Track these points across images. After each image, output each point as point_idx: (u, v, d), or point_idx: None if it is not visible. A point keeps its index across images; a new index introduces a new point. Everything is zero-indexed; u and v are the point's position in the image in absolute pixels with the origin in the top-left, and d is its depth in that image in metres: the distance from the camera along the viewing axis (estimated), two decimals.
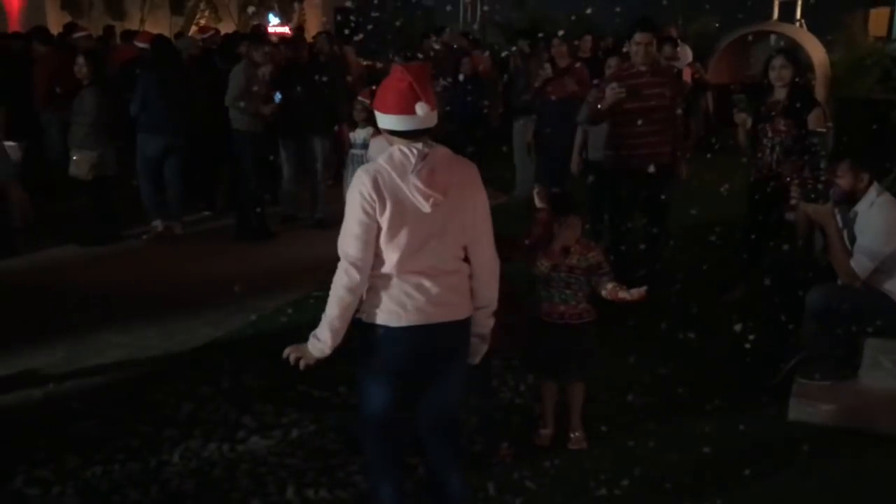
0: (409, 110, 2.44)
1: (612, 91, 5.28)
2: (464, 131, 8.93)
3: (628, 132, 5.40)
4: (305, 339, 2.60)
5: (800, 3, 16.59)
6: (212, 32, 10.13)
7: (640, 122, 5.32)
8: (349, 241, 2.46)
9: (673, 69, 6.32)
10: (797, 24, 15.75)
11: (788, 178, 5.09)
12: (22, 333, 5.05)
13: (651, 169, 5.34)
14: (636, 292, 3.34)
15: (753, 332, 4.25)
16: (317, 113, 7.46)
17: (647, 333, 4.67)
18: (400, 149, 2.48)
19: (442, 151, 2.53)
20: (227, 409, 3.98)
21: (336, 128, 7.72)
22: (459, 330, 2.65)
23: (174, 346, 4.87)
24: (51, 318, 5.34)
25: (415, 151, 2.46)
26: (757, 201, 5.39)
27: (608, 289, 3.46)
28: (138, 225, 7.44)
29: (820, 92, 11.07)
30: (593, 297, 3.58)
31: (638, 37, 5.41)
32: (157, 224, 7.33)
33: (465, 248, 2.62)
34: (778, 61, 5.26)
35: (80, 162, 6.92)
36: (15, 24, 15.05)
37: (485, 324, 2.74)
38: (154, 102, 7.03)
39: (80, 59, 6.97)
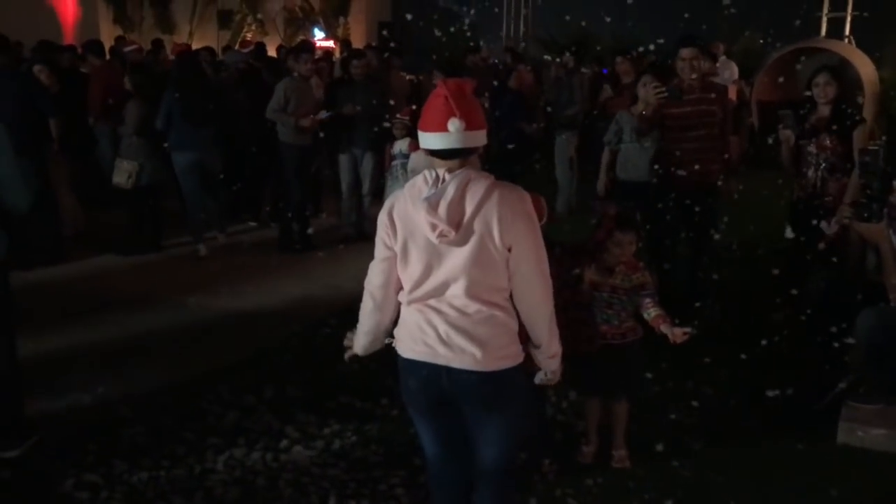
0: (442, 127, 2.24)
1: (653, 89, 5.25)
2: (505, 146, 8.94)
3: (676, 148, 5.35)
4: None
5: (849, 19, 16.33)
6: (252, 47, 10.28)
7: (688, 138, 5.28)
8: (371, 267, 2.44)
9: (720, 85, 6.23)
10: (846, 40, 15.50)
11: (831, 197, 5.04)
12: (69, 340, 5.17)
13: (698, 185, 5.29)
14: (678, 332, 3.25)
15: (801, 353, 4.18)
16: (371, 128, 7.38)
17: (692, 352, 4.61)
18: (425, 172, 2.33)
19: (468, 177, 2.26)
20: (271, 419, 4.03)
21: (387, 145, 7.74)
22: (483, 382, 2.33)
23: (218, 356, 4.94)
24: (97, 325, 5.45)
25: (434, 176, 2.29)
26: (800, 219, 5.30)
27: (651, 316, 3.40)
28: (185, 235, 7.57)
29: (870, 109, 10.86)
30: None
31: (684, 52, 5.36)
32: (201, 248, 7.31)
33: (505, 290, 2.35)
34: (822, 78, 5.17)
35: (120, 171, 7.12)
36: (69, 38, 15.45)
37: (546, 364, 2.49)
38: (178, 120, 6.98)
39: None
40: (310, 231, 7.69)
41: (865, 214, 4.12)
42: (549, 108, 9.90)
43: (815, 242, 5.03)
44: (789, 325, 5.09)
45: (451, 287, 2.31)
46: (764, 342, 4.61)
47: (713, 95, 5.43)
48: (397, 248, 2.35)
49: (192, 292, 6.25)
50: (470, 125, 2.24)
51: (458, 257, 2.27)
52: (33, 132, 6.62)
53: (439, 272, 2.31)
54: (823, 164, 5.13)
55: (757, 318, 5.33)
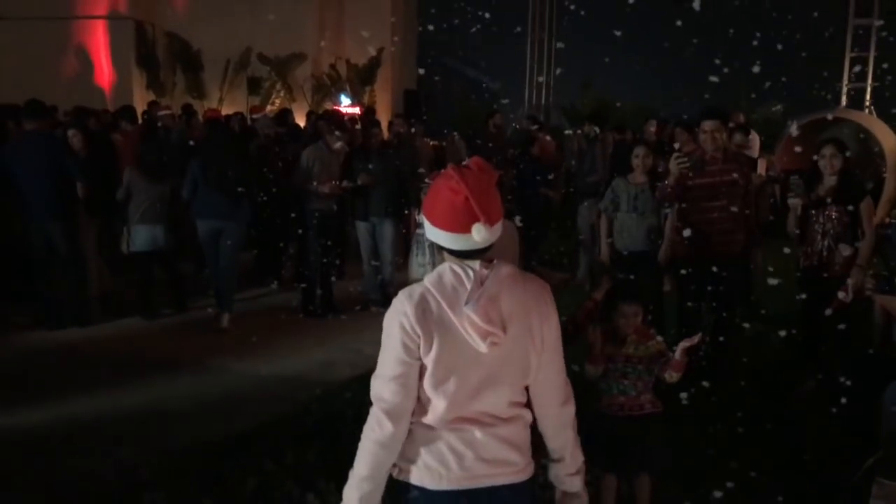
0: (465, 230, 1.97)
1: (676, 161, 5.31)
2: (527, 213, 9.02)
3: (699, 219, 5.38)
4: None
5: (869, 89, 16.47)
6: (263, 113, 10.47)
7: (711, 208, 5.31)
8: (384, 384, 1.99)
9: (744, 156, 6.28)
10: (867, 110, 15.59)
11: (838, 266, 5.08)
12: (92, 402, 5.20)
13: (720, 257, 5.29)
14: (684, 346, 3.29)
15: (829, 427, 4.11)
16: (389, 196, 7.47)
17: (716, 426, 4.56)
18: (452, 268, 2.02)
19: (505, 272, 2.04)
20: (291, 486, 4.00)
21: (406, 211, 7.82)
22: (518, 497, 2.08)
23: (239, 420, 4.93)
24: (120, 388, 5.49)
25: (471, 274, 2.00)
26: (809, 289, 5.30)
27: (674, 377, 3.39)
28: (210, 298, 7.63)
29: (892, 179, 10.85)
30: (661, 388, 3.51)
31: (706, 124, 5.44)
32: (225, 318, 7.19)
33: (526, 389, 2.13)
34: (828, 150, 5.25)
35: (122, 238, 7.26)
36: (104, 103, 15.91)
37: (569, 483, 2.19)
38: (202, 187, 6.94)
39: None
40: (332, 295, 7.75)
41: (887, 287, 4.11)
42: (571, 175, 10.03)
43: (823, 309, 5.02)
44: (815, 397, 5.02)
45: (491, 395, 2.04)
46: (792, 414, 4.55)
47: (735, 166, 5.48)
48: (428, 359, 1.97)
49: (214, 355, 6.29)
50: (493, 221, 1.99)
51: (499, 362, 2.02)
52: (64, 195, 6.78)
53: (482, 382, 2.01)
54: (830, 234, 5.19)
55: (782, 389, 5.27)
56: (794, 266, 5.54)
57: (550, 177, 9.78)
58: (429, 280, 2.03)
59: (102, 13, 17.14)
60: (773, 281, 4.88)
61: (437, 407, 2.00)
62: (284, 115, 11.05)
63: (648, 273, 5.86)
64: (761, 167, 5.69)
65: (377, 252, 7.76)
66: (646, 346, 3.45)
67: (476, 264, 2.03)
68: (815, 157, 5.36)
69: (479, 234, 1.96)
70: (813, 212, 5.27)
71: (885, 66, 15.89)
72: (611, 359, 3.42)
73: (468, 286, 1.98)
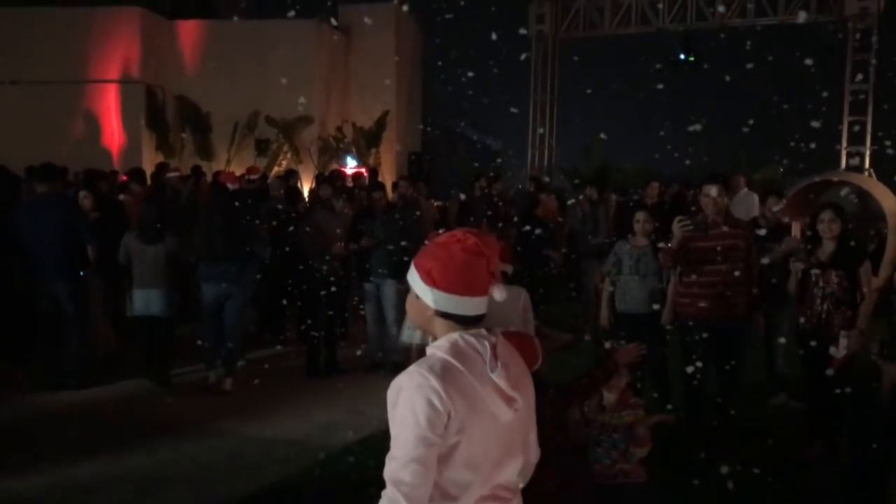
0: (484, 292, 1.95)
1: (678, 224, 5.38)
2: (530, 272, 9.09)
3: (701, 282, 5.41)
4: (371, 481, 2.23)
5: (868, 152, 16.68)
6: (258, 175, 10.57)
7: (712, 272, 5.36)
8: (404, 466, 1.78)
9: (744, 221, 6.34)
10: (866, 173, 15.75)
11: (836, 328, 5.13)
12: (94, 466, 5.18)
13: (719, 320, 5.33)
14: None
15: (840, 486, 4.08)
16: (393, 257, 7.51)
17: (716, 496, 4.52)
18: (465, 337, 1.91)
19: (503, 339, 2.01)
20: None
21: None
22: None
23: (241, 484, 4.91)
24: (123, 451, 5.48)
25: (485, 342, 1.91)
26: (808, 352, 5.33)
27: (638, 454, 3.32)
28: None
29: (893, 242, 10.91)
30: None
31: (708, 189, 5.51)
32: (211, 375, 7.17)
33: None
34: (826, 215, 5.35)
35: (134, 301, 7.18)
36: (115, 164, 16.21)
37: None
38: (207, 251, 6.95)
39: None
40: (336, 356, 7.77)
41: (885, 351, 4.12)
42: (574, 236, 10.13)
43: (824, 371, 5.05)
44: (824, 463, 4.99)
45: (509, 467, 1.96)
46: (801, 477, 4.50)
47: (737, 231, 5.54)
48: (457, 435, 1.82)
49: (217, 418, 6.27)
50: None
51: (514, 430, 1.96)
52: (73, 257, 6.87)
53: (503, 454, 1.94)
54: (829, 298, 5.25)
55: (790, 453, 5.23)
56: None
57: (552, 236, 9.88)
58: (444, 351, 1.90)
59: (115, 77, 17.55)
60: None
61: (463, 485, 1.86)
62: (289, 176, 11.24)
63: (651, 336, 5.88)
64: (796, 230, 5.75)
65: (382, 314, 7.81)
66: (620, 415, 3.38)
67: (483, 332, 1.95)
68: (813, 224, 5.44)
69: (500, 294, 1.93)
70: (813, 275, 5.33)
71: (879, 133, 16.13)
72: (587, 424, 3.36)
73: (485, 355, 1.89)
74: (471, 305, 1.93)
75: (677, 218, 5.50)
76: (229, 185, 8.47)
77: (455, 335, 1.92)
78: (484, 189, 12.19)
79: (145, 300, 7.10)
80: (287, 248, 8.07)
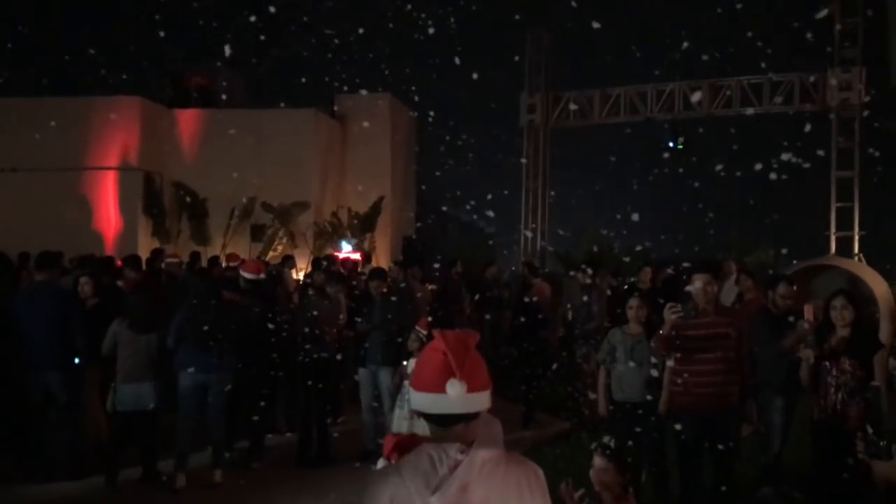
0: (439, 388, 1.92)
1: (669, 311, 5.39)
2: (524, 356, 9.11)
3: (694, 371, 5.42)
4: None
5: (856, 237, 16.90)
6: (239, 262, 10.44)
7: (704, 360, 5.37)
8: None
9: (732, 309, 6.39)
10: (856, 258, 15.93)
11: (852, 419, 5.01)
12: None
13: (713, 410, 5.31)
14: None
15: None
16: (388, 343, 7.47)
17: None
18: (428, 451, 1.92)
19: (481, 458, 1.93)
20: None
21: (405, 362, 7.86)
22: None
23: None
24: None
25: (444, 459, 1.89)
26: (823, 443, 5.25)
27: None
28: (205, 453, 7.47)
29: (885, 327, 10.97)
30: None
31: (697, 277, 5.57)
32: (181, 478, 6.70)
33: None
34: (838, 302, 5.29)
35: (120, 395, 6.81)
36: (110, 249, 16.28)
37: None
38: (185, 339, 6.78)
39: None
40: (328, 445, 7.67)
41: (873, 451, 4.06)
42: (569, 320, 10.16)
43: (840, 464, 4.96)
44: None
45: None
46: None
47: (728, 319, 5.58)
48: None
49: None
50: (472, 386, 1.93)
51: None
52: (67, 346, 6.85)
53: None
54: (843, 387, 5.14)
55: None
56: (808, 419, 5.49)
57: (545, 318, 9.91)
58: (403, 462, 1.93)
59: (114, 164, 17.81)
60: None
61: None
62: (286, 262, 11.32)
63: (648, 425, 5.86)
64: (808, 313, 5.71)
65: (377, 400, 7.75)
66: None
67: (453, 448, 1.91)
68: (825, 311, 5.41)
69: (454, 390, 1.90)
70: (825, 363, 5.24)
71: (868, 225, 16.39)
72: None
73: (440, 471, 1.86)
74: (430, 401, 1.94)
75: (668, 305, 5.53)
76: (250, 275, 7.96)
77: (423, 448, 1.93)
78: (459, 274, 12.30)
79: (135, 394, 6.74)
80: (277, 335, 8.04)
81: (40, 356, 6.82)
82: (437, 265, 12.34)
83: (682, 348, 5.48)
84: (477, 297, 12.52)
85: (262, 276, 8.07)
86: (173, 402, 7.09)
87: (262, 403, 7.81)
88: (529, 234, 21.18)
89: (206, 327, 6.72)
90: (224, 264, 10.52)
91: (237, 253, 14.80)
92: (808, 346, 5.37)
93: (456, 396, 1.91)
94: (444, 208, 31.20)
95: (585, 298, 9.74)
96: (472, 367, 1.95)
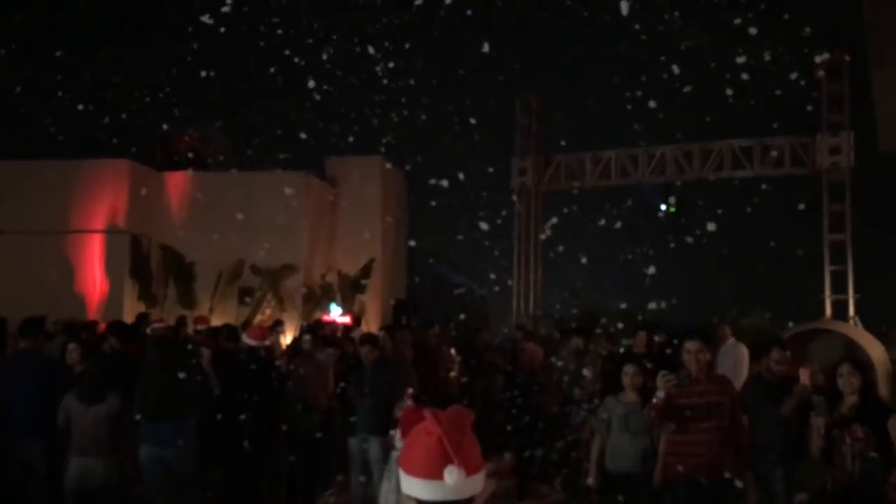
0: (436, 475, 1.86)
1: (662, 379, 5.26)
2: (518, 422, 8.85)
3: (688, 440, 5.30)
4: None
5: (851, 301, 16.81)
6: (207, 326, 10.05)
7: (697, 429, 5.24)
8: None
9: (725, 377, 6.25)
10: (851, 321, 15.83)
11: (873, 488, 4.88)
12: None
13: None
14: None
15: None
16: (378, 412, 7.23)
17: None
18: None
19: None
20: None
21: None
22: None
23: None
24: None
25: None
26: None
27: None
28: None
29: (883, 391, 10.82)
30: None
31: (689, 345, 5.51)
32: None
33: None
34: (845, 369, 5.25)
35: (70, 470, 6.36)
36: (94, 314, 16.02)
37: None
38: (145, 410, 6.49)
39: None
40: None
41: None
42: (563, 386, 9.95)
43: None
44: None
45: None
46: None
47: (720, 387, 5.48)
48: None
49: None
50: (469, 470, 1.88)
51: None
52: (48, 416, 6.58)
53: None
54: (858, 456, 5.02)
55: None
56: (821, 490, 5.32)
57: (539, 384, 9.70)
58: None
59: (101, 227, 17.68)
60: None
61: None
62: (275, 326, 11.09)
63: (643, 497, 5.67)
64: (804, 377, 5.56)
65: (366, 470, 7.50)
66: None
67: None
68: (832, 379, 5.31)
69: (452, 478, 1.83)
70: (837, 432, 5.13)
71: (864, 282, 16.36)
72: None
73: None
74: (425, 489, 1.87)
75: (661, 373, 5.41)
76: (253, 342, 7.58)
77: None
78: (437, 336, 12.09)
79: (84, 470, 6.25)
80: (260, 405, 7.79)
81: (22, 426, 6.62)
82: (413, 327, 12.07)
83: (676, 417, 5.38)
84: (472, 361, 12.30)
85: (267, 343, 7.75)
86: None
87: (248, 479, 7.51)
88: (521, 296, 21.05)
89: (163, 397, 6.38)
90: (193, 327, 10.13)
91: (205, 316, 14.59)
92: (819, 414, 5.21)
93: (454, 484, 1.85)
94: (436, 270, 31.16)
95: (579, 364, 9.55)
96: (468, 449, 1.89)
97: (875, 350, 12.84)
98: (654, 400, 5.41)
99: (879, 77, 7.66)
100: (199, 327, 10.27)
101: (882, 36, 6.70)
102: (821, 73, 17.70)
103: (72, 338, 8.14)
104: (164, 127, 18.99)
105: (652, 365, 6.87)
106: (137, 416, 6.50)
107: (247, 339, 7.68)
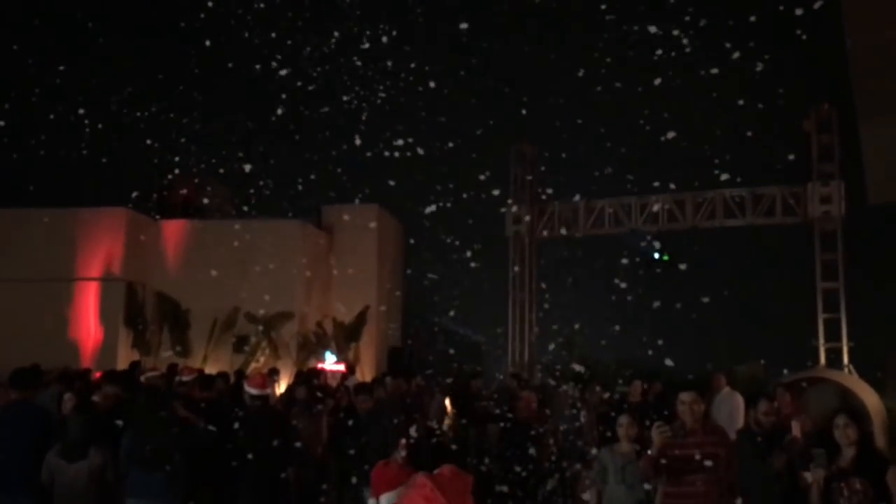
0: None
1: (657, 430, 5.25)
2: (512, 472, 8.77)
3: (683, 492, 5.26)
4: None
5: (845, 349, 16.83)
6: (194, 375, 9.82)
7: (693, 480, 5.21)
8: None
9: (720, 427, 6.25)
10: (845, 370, 15.82)
11: None
12: None
13: None
14: None
15: None
16: (372, 462, 7.29)
17: None
18: None
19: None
20: None
21: None
22: None
23: None
24: None
25: None
26: None
27: None
28: None
29: (880, 441, 10.77)
30: None
31: (683, 396, 5.50)
32: None
33: None
34: (841, 420, 5.16)
35: None
36: (88, 361, 15.95)
37: None
38: (132, 463, 6.35)
39: None
40: None
41: None
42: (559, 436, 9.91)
43: None
44: None
45: None
46: None
47: (716, 438, 5.46)
48: None
49: None
50: None
51: None
52: (39, 469, 6.51)
53: None
54: None
55: None
56: None
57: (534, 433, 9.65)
58: None
59: (97, 275, 17.68)
60: None
61: None
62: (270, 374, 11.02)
63: None
64: (796, 429, 5.53)
65: None
66: None
67: None
68: (828, 430, 5.28)
69: None
70: (835, 485, 5.04)
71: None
72: None
73: None
74: None
75: (656, 424, 5.41)
76: (255, 391, 7.36)
77: None
78: (420, 387, 12.03)
79: None
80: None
81: (14, 481, 6.45)
82: (391, 379, 11.98)
83: (672, 469, 5.34)
84: (466, 410, 12.21)
85: (269, 391, 7.61)
86: None
87: None
88: (517, 343, 21.01)
89: (152, 448, 6.25)
90: (179, 378, 9.90)
91: (190, 365, 14.46)
92: (818, 465, 5.19)
93: None
94: (431, 316, 31.10)
95: (575, 412, 9.54)
96: None
97: (870, 398, 12.83)
98: (650, 451, 5.41)
99: (867, 132, 7.81)
100: (185, 378, 9.97)
101: (868, 91, 6.87)
102: (810, 123, 17.99)
103: (67, 387, 8.09)
104: (167, 176, 19.12)
105: (649, 415, 6.88)
106: (125, 470, 6.35)
107: (249, 388, 7.49)
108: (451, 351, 24.14)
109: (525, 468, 9.17)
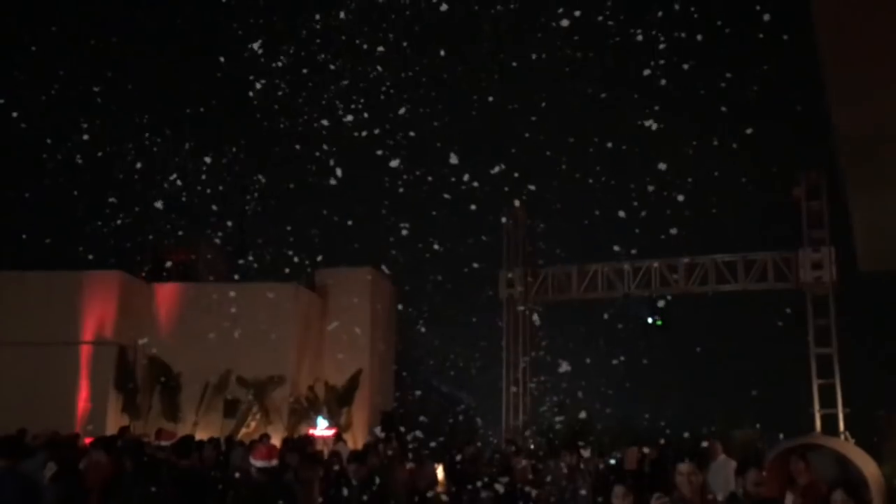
0: None
1: (657, 502, 5.20)
2: None
3: None
4: None
5: (841, 415, 16.73)
6: (175, 440, 9.54)
7: None
8: None
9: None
10: (842, 436, 15.70)
11: None
12: None
13: None
14: None
15: None
16: None
17: None
18: None
19: None
20: None
21: None
22: None
23: None
24: None
25: None
26: None
27: None
28: None
29: None
30: None
31: (681, 467, 5.48)
32: None
33: None
34: (839, 496, 5.18)
35: None
36: (77, 426, 15.71)
37: None
38: None
39: None
40: None
41: None
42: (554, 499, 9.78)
43: None
44: None
45: None
46: None
47: None
48: None
49: None
50: None
51: None
52: None
53: None
54: None
55: None
56: None
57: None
58: None
59: (89, 338, 17.54)
60: None
61: None
62: (261, 440, 10.85)
63: None
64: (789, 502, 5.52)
65: None
66: None
67: None
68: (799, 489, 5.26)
69: None
70: None
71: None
72: None
73: None
74: None
75: (655, 496, 5.36)
76: (261, 463, 6.87)
77: None
78: (396, 451, 11.86)
79: None
80: None
81: None
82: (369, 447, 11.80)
83: None
84: (457, 476, 12.05)
85: (275, 462, 7.09)
86: None
87: None
88: (510, 407, 20.84)
89: None
90: (158, 442, 9.54)
91: (167, 429, 14.24)
92: None
93: None
94: (424, 380, 30.86)
95: (571, 480, 9.43)
96: None
97: (868, 466, 12.65)
98: None
99: (855, 201, 7.92)
100: (164, 443, 9.61)
101: (856, 165, 6.99)
102: (800, 190, 18.25)
103: (53, 455, 7.96)
104: (165, 241, 19.18)
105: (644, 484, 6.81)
106: None
107: (253, 461, 6.92)
108: (444, 415, 23.91)
109: None
